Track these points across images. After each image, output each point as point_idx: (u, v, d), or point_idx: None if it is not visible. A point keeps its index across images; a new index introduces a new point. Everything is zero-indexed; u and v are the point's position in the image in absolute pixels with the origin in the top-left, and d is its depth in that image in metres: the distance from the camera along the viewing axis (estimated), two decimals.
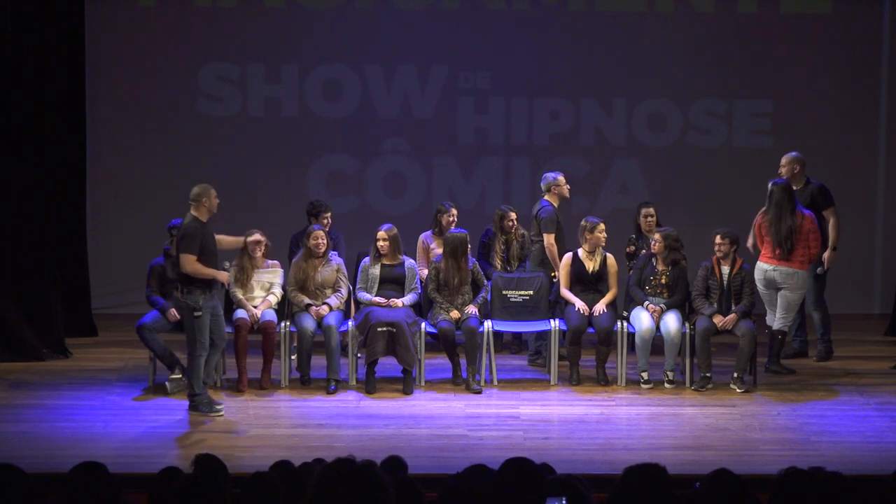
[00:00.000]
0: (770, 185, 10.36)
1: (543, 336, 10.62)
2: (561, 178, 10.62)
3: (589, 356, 10.21)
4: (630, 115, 12.85)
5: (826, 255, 10.54)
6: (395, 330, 9.76)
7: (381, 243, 10.17)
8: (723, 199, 12.49)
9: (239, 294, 10.02)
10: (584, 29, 12.76)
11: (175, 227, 10.02)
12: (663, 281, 10.13)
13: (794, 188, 10.65)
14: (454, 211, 10.97)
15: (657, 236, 10.21)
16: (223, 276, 9.33)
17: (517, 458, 5.21)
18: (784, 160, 10.69)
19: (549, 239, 10.45)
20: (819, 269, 10.59)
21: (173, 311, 9.80)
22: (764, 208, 10.35)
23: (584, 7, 12.74)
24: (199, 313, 9.02)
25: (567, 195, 10.69)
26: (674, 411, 9.41)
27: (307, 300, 10.03)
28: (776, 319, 10.27)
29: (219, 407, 9.16)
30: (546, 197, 10.60)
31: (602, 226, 10.24)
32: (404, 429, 8.91)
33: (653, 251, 10.21)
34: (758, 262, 10.29)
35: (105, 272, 12.41)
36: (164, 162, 12.61)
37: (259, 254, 10.07)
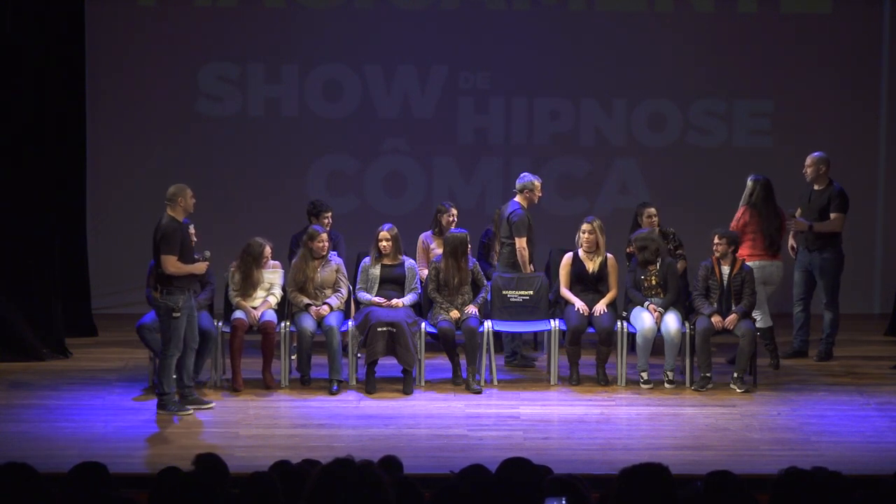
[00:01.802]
0: (752, 181, 10.47)
1: (517, 337, 10.67)
2: (538, 183, 10.56)
3: (589, 356, 10.21)
4: (630, 115, 12.85)
5: (799, 223, 10.60)
6: (395, 330, 9.76)
7: (383, 243, 10.17)
8: (723, 199, 12.48)
9: (238, 296, 10.01)
10: (584, 29, 12.76)
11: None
12: (653, 281, 10.13)
13: (816, 188, 10.69)
14: (454, 211, 10.97)
15: (631, 238, 10.27)
16: (202, 266, 9.36)
17: (515, 458, 5.22)
18: (809, 160, 10.72)
19: (521, 242, 10.40)
20: (790, 221, 10.65)
21: None
22: (746, 205, 10.42)
23: (584, 7, 12.74)
24: (178, 314, 9.10)
25: (536, 201, 10.62)
26: (674, 411, 9.41)
27: (307, 300, 10.03)
28: (763, 316, 10.32)
29: (190, 409, 9.19)
30: (517, 198, 10.52)
31: (586, 226, 10.21)
32: (404, 429, 8.91)
33: (634, 253, 10.25)
34: (761, 262, 10.34)
35: (105, 272, 12.41)
36: (164, 162, 12.60)
37: (265, 261, 10.07)
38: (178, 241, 9.11)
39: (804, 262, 10.77)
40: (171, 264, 9.09)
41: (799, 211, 10.81)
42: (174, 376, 9.20)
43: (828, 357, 10.76)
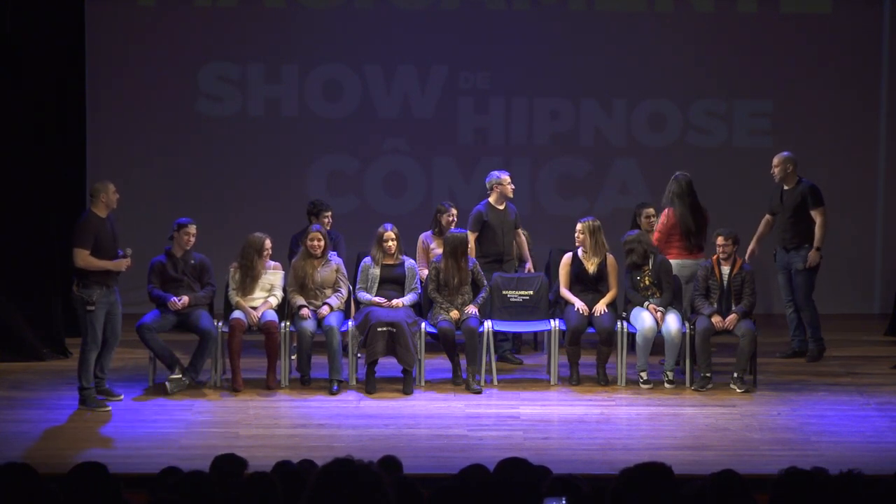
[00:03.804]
0: (673, 179, 10.55)
1: (508, 340, 10.77)
2: (505, 177, 10.64)
3: (589, 356, 10.21)
4: (630, 115, 12.85)
5: (810, 254, 10.56)
6: (395, 330, 9.76)
7: (389, 243, 10.16)
8: (723, 199, 12.48)
9: (237, 296, 10.02)
10: (584, 29, 12.76)
11: (179, 225, 10.05)
12: (647, 281, 10.13)
13: (786, 188, 10.69)
14: (454, 211, 10.97)
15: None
16: (120, 264, 9.40)
17: (512, 458, 5.22)
18: (776, 160, 10.72)
19: (469, 237, 10.48)
20: (800, 266, 10.60)
21: (174, 300, 9.80)
22: (668, 205, 10.47)
23: (584, 7, 12.73)
24: (92, 308, 9.21)
25: (510, 195, 10.68)
26: (674, 411, 9.41)
27: (300, 301, 10.01)
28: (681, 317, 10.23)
29: (107, 405, 9.33)
30: (489, 197, 10.64)
31: (578, 226, 10.24)
32: (404, 429, 8.91)
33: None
34: (683, 260, 10.35)
35: None
36: (164, 162, 12.61)
37: (267, 253, 10.08)
38: (92, 236, 9.23)
39: (783, 262, 10.76)
40: (81, 258, 9.24)
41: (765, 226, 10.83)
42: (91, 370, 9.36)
43: (819, 356, 10.71)
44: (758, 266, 10.87)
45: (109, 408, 9.30)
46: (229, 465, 5.92)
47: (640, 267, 10.14)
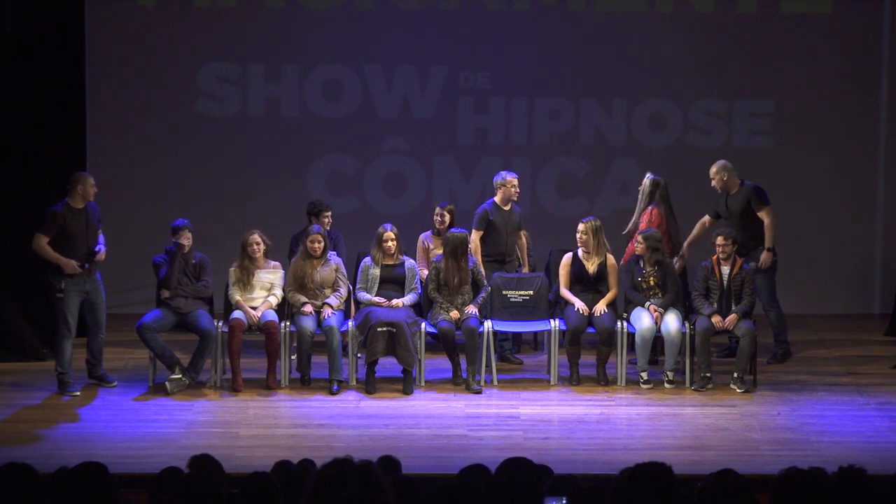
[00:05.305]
0: (653, 179, 10.60)
1: (507, 339, 10.74)
2: (510, 178, 10.63)
3: (589, 356, 10.21)
4: (630, 115, 12.83)
5: (763, 256, 10.46)
6: (395, 330, 9.76)
7: (389, 244, 10.16)
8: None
9: (237, 296, 10.02)
10: (584, 29, 12.75)
11: (178, 227, 10.05)
12: (651, 282, 10.12)
13: (730, 193, 10.65)
14: (445, 211, 10.87)
15: (639, 238, 10.23)
16: (68, 263, 9.53)
17: (515, 457, 5.22)
18: (712, 169, 10.68)
19: (474, 236, 10.48)
20: (752, 265, 10.49)
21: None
22: (656, 205, 10.47)
23: (584, 7, 12.73)
24: (61, 295, 9.47)
25: (514, 197, 10.67)
26: (674, 411, 9.41)
27: (302, 299, 10.02)
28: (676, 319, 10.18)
29: (75, 392, 9.58)
30: (496, 196, 10.64)
31: (580, 227, 10.24)
32: (404, 429, 8.92)
33: (637, 253, 10.22)
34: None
35: (105, 272, 12.37)
36: (164, 162, 12.60)
37: (259, 254, 10.08)
38: (56, 225, 9.46)
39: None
40: (37, 244, 9.51)
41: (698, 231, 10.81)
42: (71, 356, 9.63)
43: (784, 359, 10.66)
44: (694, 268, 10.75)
45: (78, 393, 9.53)
46: (206, 466, 5.90)
47: (645, 267, 10.11)
